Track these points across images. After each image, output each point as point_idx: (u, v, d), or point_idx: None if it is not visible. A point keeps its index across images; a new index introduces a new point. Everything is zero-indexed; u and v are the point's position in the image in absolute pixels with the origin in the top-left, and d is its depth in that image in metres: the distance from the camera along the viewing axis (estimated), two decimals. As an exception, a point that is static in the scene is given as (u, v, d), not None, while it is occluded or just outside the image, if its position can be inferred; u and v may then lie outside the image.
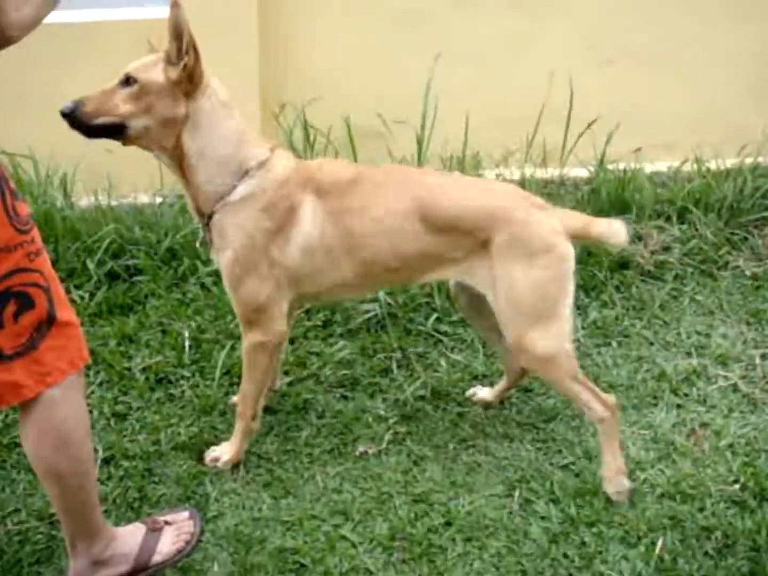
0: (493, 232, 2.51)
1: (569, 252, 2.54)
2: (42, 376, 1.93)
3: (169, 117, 2.42)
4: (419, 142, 4.11)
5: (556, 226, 2.54)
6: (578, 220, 2.66)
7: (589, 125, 4.26)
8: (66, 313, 1.98)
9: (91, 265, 3.65)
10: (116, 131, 2.44)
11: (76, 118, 2.40)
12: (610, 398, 2.63)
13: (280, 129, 4.16)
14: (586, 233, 2.63)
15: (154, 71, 2.40)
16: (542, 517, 2.55)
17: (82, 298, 3.55)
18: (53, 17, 4.27)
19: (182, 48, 2.34)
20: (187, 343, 3.28)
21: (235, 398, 2.93)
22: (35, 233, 1.91)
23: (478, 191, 2.61)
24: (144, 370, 3.18)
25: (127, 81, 2.40)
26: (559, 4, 4.48)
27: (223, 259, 2.56)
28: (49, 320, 1.92)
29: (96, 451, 2.74)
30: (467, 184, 2.64)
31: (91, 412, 2.96)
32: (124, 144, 2.50)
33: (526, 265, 2.48)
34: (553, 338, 2.54)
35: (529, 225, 2.51)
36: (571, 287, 2.56)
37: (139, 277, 3.68)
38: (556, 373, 2.59)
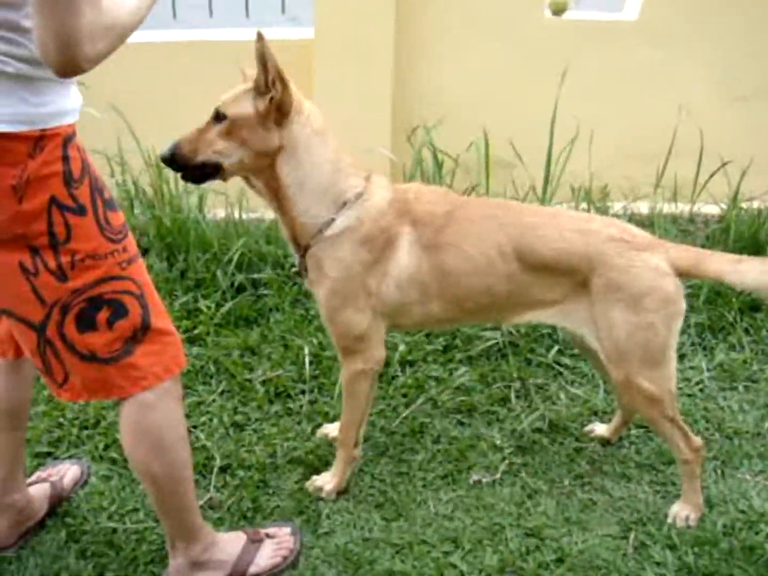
0: (592, 275, 2.42)
1: (675, 293, 2.41)
2: (137, 380, 1.98)
3: (263, 149, 2.35)
4: (547, 173, 4.09)
5: (661, 266, 2.41)
6: (691, 256, 2.48)
7: (723, 164, 4.16)
8: (161, 321, 2.02)
9: (220, 277, 3.75)
10: (215, 171, 2.39)
11: (176, 162, 2.38)
12: (698, 441, 2.59)
13: (411, 151, 4.20)
14: (701, 271, 2.47)
15: (243, 104, 2.32)
16: (657, 563, 2.47)
17: (209, 308, 3.65)
18: (183, 36, 4.44)
19: (268, 80, 2.27)
20: (307, 359, 3.31)
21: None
22: (128, 242, 1.95)
23: (577, 233, 2.47)
24: (264, 382, 3.24)
25: (218, 117, 2.35)
26: (692, 39, 4.42)
27: (320, 291, 2.53)
28: (144, 327, 1.97)
29: (213, 459, 2.83)
30: (566, 223, 2.50)
31: (210, 420, 3.04)
32: (224, 180, 2.45)
33: (629, 310, 2.39)
34: (659, 380, 2.47)
35: (630, 270, 2.39)
36: (677, 327, 2.45)
37: (265, 291, 3.77)
38: (657, 412, 2.51)
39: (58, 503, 2.61)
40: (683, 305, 2.45)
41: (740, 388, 3.31)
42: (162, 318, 2.03)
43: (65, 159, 1.79)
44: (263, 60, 2.24)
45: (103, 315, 1.90)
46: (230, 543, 2.38)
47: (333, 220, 2.44)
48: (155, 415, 2.04)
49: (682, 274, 2.45)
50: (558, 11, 4.46)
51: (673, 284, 2.42)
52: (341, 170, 2.45)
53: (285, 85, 2.29)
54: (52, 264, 1.82)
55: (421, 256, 2.49)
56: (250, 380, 3.26)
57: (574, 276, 2.45)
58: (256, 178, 2.45)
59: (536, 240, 2.47)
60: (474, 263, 2.48)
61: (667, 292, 2.40)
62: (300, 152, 2.38)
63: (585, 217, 2.68)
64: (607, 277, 2.41)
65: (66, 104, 1.80)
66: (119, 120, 3.88)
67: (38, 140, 1.73)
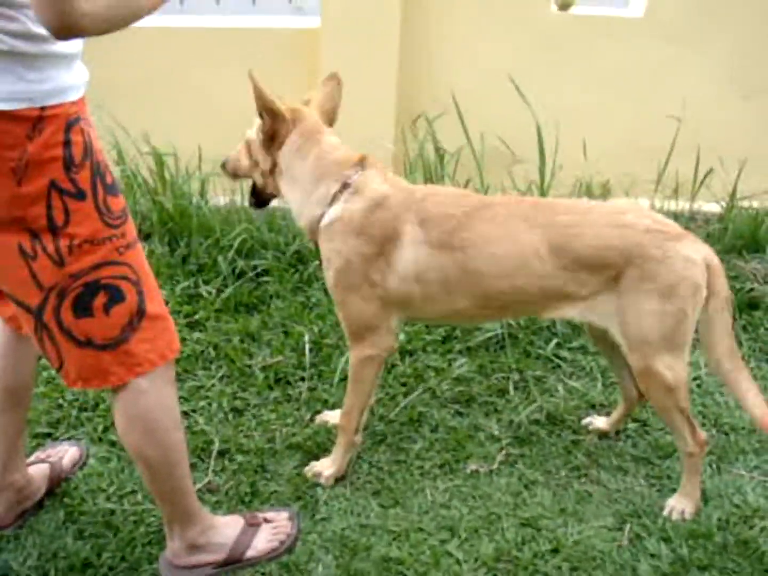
0: (626, 268, 2.44)
1: (703, 281, 2.46)
2: (132, 366, 1.98)
3: (266, 169, 2.63)
4: (542, 168, 4.09)
5: (692, 254, 2.45)
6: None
7: (721, 163, 4.16)
8: (156, 306, 2.01)
9: (221, 263, 3.76)
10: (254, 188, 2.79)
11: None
12: (704, 435, 2.62)
13: (415, 142, 4.20)
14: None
15: (254, 130, 2.63)
16: (652, 555, 2.48)
17: (209, 293, 3.67)
18: (204, 22, 4.44)
19: (260, 112, 2.51)
20: (307, 346, 3.32)
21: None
22: (127, 228, 1.93)
23: (613, 228, 2.48)
24: (264, 368, 3.25)
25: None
26: (699, 36, 4.42)
27: (327, 279, 2.61)
28: (140, 313, 1.95)
29: (212, 443, 2.84)
30: (600, 218, 2.50)
31: (210, 404, 3.05)
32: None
33: (662, 299, 2.42)
34: (678, 367, 2.49)
35: (664, 261, 2.42)
36: (699, 312, 2.50)
37: (266, 278, 3.78)
38: (672, 403, 2.53)
39: (57, 484, 2.62)
40: (705, 293, 2.49)
41: (737, 384, 3.32)
42: (157, 303, 2.03)
43: (66, 143, 1.77)
44: (254, 94, 2.45)
45: (99, 300, 1.89)
46: (228, 526, 2.39)
47: (324, 213, 2.54)
48: (148, 399, 2.04)
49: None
50: (564, 6, 4.45)
51: (701, 272, 2.46)
52: (323, 174, 2.56)
53: (274, 116, 2.51)
54: (50, 248, 1.82)
55: (431, 255, 2.49)
56: (249, 366, 3.27)
57: (609, 270, 2.46)
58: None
59: (572, 239, 2.46)
60: (502, 265, 2.48)
61: (697, 280, 2.45)
62: (285, 169, 2.60)
63: (618, 209, 2.65)
64: (642, 268, 2.43)
65: (67, 80, 1.77)
66: (117, 106, 3.87)
67: (37, 121, 1.71)
